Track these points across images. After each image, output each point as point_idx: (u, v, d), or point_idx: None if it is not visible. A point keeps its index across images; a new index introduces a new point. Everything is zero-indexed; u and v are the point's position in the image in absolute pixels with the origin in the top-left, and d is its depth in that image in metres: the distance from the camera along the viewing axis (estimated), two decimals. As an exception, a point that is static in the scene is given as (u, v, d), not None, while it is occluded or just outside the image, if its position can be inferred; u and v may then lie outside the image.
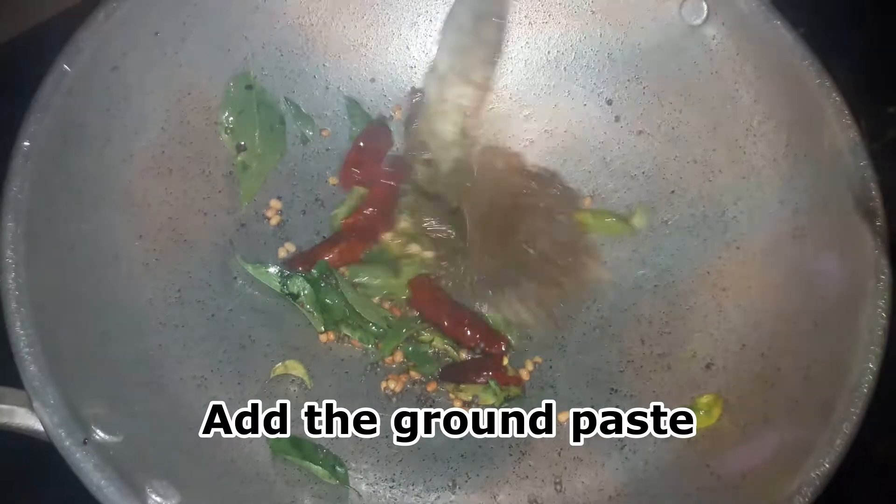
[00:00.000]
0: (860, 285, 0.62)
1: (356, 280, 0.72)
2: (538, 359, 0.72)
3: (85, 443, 0.51)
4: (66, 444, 0.51)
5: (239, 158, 0.73)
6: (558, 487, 0.65)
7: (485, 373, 0.69)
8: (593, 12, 0.75)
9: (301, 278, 0.70)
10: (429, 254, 0.73)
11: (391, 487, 0.65)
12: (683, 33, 0.73)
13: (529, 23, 0.77)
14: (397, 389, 0.70)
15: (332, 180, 0.76)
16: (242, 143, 0.74)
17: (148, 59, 0.66)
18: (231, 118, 0.73)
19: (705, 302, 0.71)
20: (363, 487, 0.64)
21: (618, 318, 0.73)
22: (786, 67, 0.69)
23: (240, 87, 0.73)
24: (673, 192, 0.75)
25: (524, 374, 0.71)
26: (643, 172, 0.76)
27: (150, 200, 0.67)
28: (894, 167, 0.70)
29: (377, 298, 0.73)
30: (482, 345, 0.71)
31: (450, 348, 0.71)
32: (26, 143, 0.58)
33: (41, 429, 0.52)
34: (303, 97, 0.76)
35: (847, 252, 0.64)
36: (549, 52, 0.78)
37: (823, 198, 0.67)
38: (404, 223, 0.74)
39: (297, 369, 0.68)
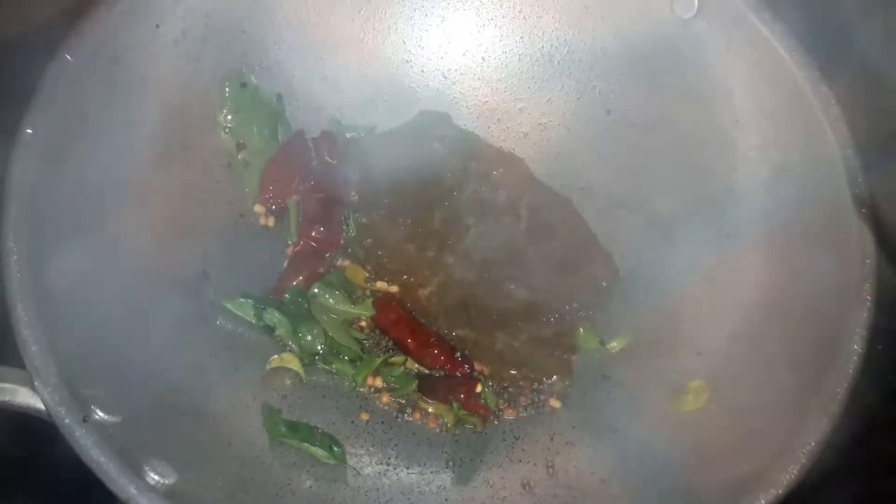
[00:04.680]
0: (847, 272, 0.63)
1: (320, 301, 0.71)
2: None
3: (85, 421, 0.52)
4: (67, 422, 0.52)
5: (240, 157, 0.74)
6: (551, 471, 0.66)
7: (455, 395, 0.68)
8: (586, 7, 0.77)
9: (275, 311, 0.69)
10: (394, 288, 0.74)
11: (386, 471, 0.66)
12: (675, 27, 0.73)
13: (524, 17, 0.79)
14: (385, 400, 0.70)
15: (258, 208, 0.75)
16: (242, 141, 0.74)
17: (149, 51, 0.67)
18: (229, 117, 0.74)
19: (697, 290, 0.71)
20: (359, 470, 0.65)
21: (611, 307, 0.74)
22: (775, 61, 0.70)
23: (235, 86, 0.74)
24: (665, 183, 0.76)
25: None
26: (635, 164, 0.77)
27: (150, 191, 0.68)
28: (888, 162, 0.71)
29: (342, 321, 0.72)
30: (448, 366, 0.70)
31: (422, 367, 0.71)
32: (29, 131, 0.59)
33: (42, 407, 0.53)
34: (300, 91, 0.77)
35: (835, 240, 0.65)
36: (542, 47, 0.79)
37: (812, 187, 0.68)
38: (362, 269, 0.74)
39: (292, 362, 0.69)
